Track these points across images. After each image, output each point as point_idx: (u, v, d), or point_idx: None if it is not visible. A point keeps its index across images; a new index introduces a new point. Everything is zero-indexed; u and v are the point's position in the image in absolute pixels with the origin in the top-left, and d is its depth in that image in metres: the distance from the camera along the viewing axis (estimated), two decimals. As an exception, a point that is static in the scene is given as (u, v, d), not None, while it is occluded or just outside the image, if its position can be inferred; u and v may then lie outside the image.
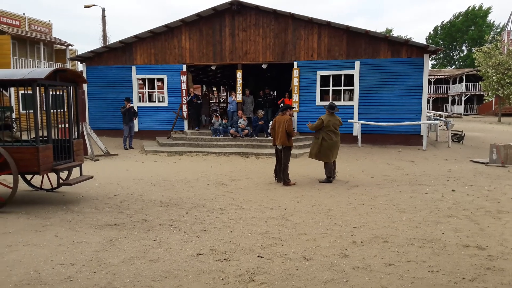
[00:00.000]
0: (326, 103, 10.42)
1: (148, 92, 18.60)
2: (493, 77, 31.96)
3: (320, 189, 8.57)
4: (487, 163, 11.89)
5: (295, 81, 16.33)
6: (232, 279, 4.22)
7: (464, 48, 67.70)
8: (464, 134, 18.06)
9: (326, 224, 6.12)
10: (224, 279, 4.23)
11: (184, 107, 17.28)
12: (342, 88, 16.20)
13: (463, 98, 45.69)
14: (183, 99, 17.24)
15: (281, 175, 9.20)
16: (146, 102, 18.71)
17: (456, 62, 68.45)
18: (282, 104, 16.01)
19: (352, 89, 16.10)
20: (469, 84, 44.96)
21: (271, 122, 10.21)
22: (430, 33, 69.59)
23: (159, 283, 4.13)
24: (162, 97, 18.46)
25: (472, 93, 45.42)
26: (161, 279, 4.21)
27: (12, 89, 20.77)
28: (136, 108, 16.67)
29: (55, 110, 7.75)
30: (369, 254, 4.91)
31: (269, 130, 9.44)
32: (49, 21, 29.29)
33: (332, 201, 7.53)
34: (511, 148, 11.67)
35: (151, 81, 18.22)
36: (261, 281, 4.17)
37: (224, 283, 4.14)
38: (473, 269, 4.48)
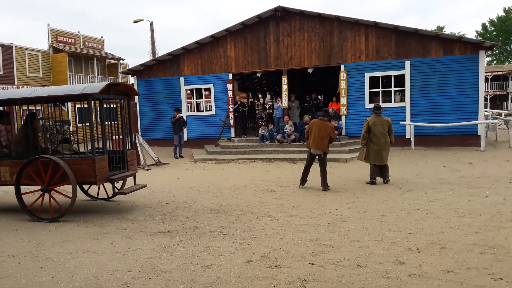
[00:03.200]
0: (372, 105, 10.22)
1: (196, 101, 19.09)
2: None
3: (372, 195, 8.33)
4: (555, 163, 11.01)
5: (343, 84, 16.07)
6: (283, 286, 4.18)
7: (523, 42, 63.44)
8: (527, 132, 16.82)
9: (380, 230, 5.92)
10: (276, 286, 4.20)
11: (231, 115, 17.53)
12: (393, 89, 15.73)
13: (525, 95, 42.73)
14: (230, 107, 17.50)
15: (322, 180, 9.07)
16: (194, 111, 19.21)
17: (515, 57, 64.27)
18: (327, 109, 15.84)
19: (403, 90, 15.58)
20: (531, 79, 42.00)
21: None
22: (477, 31, 66.02)
23: (211, 289, 4.18)
24: (209, 106, 18.88)
25: (534, 89, 42.40)
26: (213, 285, 4.26)
27: (69, 104, 22.14)
28: (185, 118, 17.13)
29: (109, 123, 8.14)
30: (426, 260, 4.68)
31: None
32: (101, 37, 30.96)
33: (385, 207, 7.28)
34: None
35: (199, 91, 18.69)
36: (313, 289, 4.10)
37: (275, 290, 4.11)
38: (543, 278, 4.15)
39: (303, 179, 9.39)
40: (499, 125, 18.54)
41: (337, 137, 15.27)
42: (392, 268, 4.52)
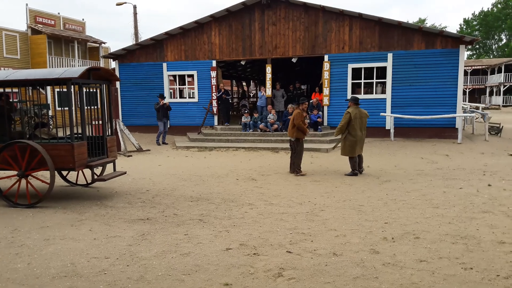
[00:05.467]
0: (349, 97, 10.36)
1: (179, 88, 18.89)
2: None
3: (351, 184, 8.46)
4: (528, 156, 11.37)
5: (326, 75, 16.14)
6: (261, 274, 4.25)
7: (503, 37, 64.74)
8: (502, 126, 17.31)
9: (356, 220, 6.04)
10: (253, 273, 4.27)
11: (214, 103, 17.44)
12: (374, 81, 15.89)
13: (502, 89, 43.77)
14: (213, 94, 17.40)
15: (291, 165, 9.78)
16: (177, 98, 19.00)
17: (494, 52, 65.57)
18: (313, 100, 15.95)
19: (385, 82, 15.76)
20: (509, 75, 43.00)
21: None
22: (460, 25, 67.04)
23: (190, 276, 4.21)
24: (193, 93, 18.72)
25: (511, 84, 43.42)
26: (191, 273, 4.29)
27: (48, 87, 21.64)
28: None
29: (89, 108, 8.01)
30: (400, 250, 4.82)
31: None
32: (83, 19, 30.15)
33: (363, 197, 7.42)
34: (554, 141, 11.10)
35: (182, 78, 18.50)
36: (290, 276, 4.18)
37: (253, 277, 4.17)
38: (508, 266, 4.32)
39: (291, 166, 9.92)
40: (476, 118, 18.98)
41: (319, 127, 15.43)
42: (367, 257, 4.63)
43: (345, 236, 5.33)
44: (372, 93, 16.02)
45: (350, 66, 15.89)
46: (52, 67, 24.61)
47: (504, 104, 43.54)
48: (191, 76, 18.14)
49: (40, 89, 7.93)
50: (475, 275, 4.14)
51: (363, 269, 4.32)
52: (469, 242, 5.05)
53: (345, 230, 5.57)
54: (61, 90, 7.72)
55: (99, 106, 8.29)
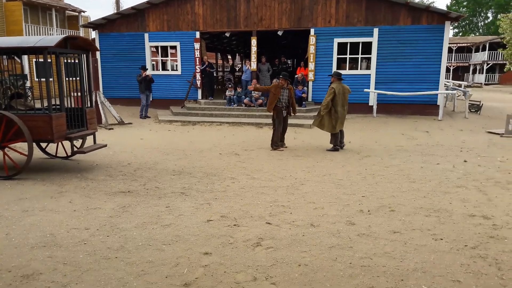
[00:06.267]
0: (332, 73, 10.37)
1: (162, 60, 18.54)
2: (516, 46, 30.76)
3: (332, 159, 8.59)
4: (503, 134, 11.67)
5: (312, 49, 16.03)
6: (240, 243, 4.35)
7: (489, 14, 65.00)
8: (482, 104, 17.63)
9: (335, 193, 6.18)
10: (233, 243, 4.36)
11: (198, 76, 17.24)
12: (360, 56, 15.87)
13: (485, 67, 44.30)
14: (197, 67, 17.17)
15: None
16: (159, 70, 18.67)
17: (481, 30, 65.93)
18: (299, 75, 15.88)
19: (370, 58, 15.76)
20: (492, 53, 43.40)
21: None
22: (449, 1, 66.91)
23: (170, 246, 4.29)
24: (176, 65, 18.40)
25: (494, 62, 43.94)
26: (172, 243, 4.37)
27: (26, 57, 20.99)
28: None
29: (68, 79, 7.84)
30: (375, 222, 4.97)
31: None
32: (62, -14, 29.09)
33: (343, 171, 7.56)
34: (529, 118, 11.39)
35: (165, 49, 18.12)
36: (268, 246, 4.29)
37: (232, 247, 4.27)
38: (476, 237, 4.52)
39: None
40: (458, 96, 19.25)
41: (303, 102, 15.45)
42: (343, 228, 4.77)
43: (323, 209, 5.46)
44: (357, 69, 16.04)
45: (336, 40, 15.80)
46: (29, 36, 23.81)
47: (486, 82, 44.18)
48: (174, 47, 17.79)
49: (16, 58, 7.67)
50: (444, 245, 4.32)
51: (339, 239, 4.45)
52: (442, 215, 5.23)
53: (323, 203, 5.69)
54: (37, 60, 7.51)
55: (78, 77, 8.12)
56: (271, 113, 9.88)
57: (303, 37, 17.61)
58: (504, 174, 7.30)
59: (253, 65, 16.87)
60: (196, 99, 17.48)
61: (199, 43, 17.07)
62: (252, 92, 15.68)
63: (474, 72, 47.52)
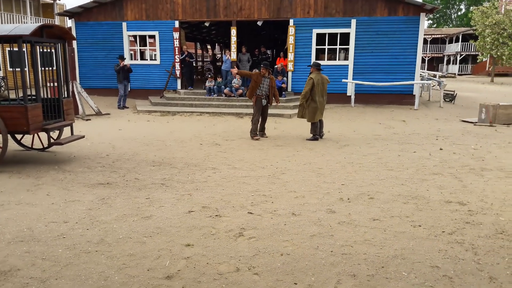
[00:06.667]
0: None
1: (140, 49, 18.20)
2: (487, 38, 31.60)
3: (311, 149, 8.67)
4: (476, 122, 12.03)
5: (291, 39, 16.03)
6: (222, 234, 4.36)
7: (462, 7, 66.32)
8: (456, 94, 18.08)
9: (315, 182, 6.25)
10: (215, 234, 4.37)
11: (177, 66, 17.01)
12: (338, 47, 15.97)
13: (458, 58, 45.31)
14: (176, 57, 16.94)
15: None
16: (138, 60, 18.33)
17: (454, 21, 67.25)
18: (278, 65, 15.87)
19: (348, 48, 15.88)
20: (465, 44, 44.43)
21: None
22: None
23: (151, 238, 4.26)
24: (155, 55, 18.10)
25: (467, 53, 45.01)
26: (153, 235, 4.34)
27: None
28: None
29: (44, 69, 7.62)
30: (355, 210, 5.06)
31: None
32: (35, -27, 28.05)
33: (322, 160, 7.64)
34: (499, 108, 11.77)
35: (143, 38, 17.80)
36: (250, 236, 4.32)
37: (214, 237, 4.28)
38: (453, 223, 4.66)
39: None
40: (433, 86, 19.65)
41: (283, 93, 15.49)
42: (324, 217, 4.84)
43: (304, 197, 5.52)
44: (336, 59, 16.15)
45: (315, 31, 15.84)
46: (2, 24, 22.94)
47: (460, 72, 45.23)
48: (153, 37, 17.47)
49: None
50: (422, 231, 4.44)
51: (320, 228, 4.52)
52: (419, 202, 5.37)
53: (304, 192, 5.76)
54: (11, 49, 7.27)
55: (54, 67, 7.90)
56: (252, 101, 9.87)
57: (283, 28, 17.58)
58: (478, 161, 7.54)
59: (233, 55, 16.76)
60: (175, 89, 17.28)
61: (178, 33, 16.83)
62: (232, 82, 15.61)
63: (448, 62, 48.56)
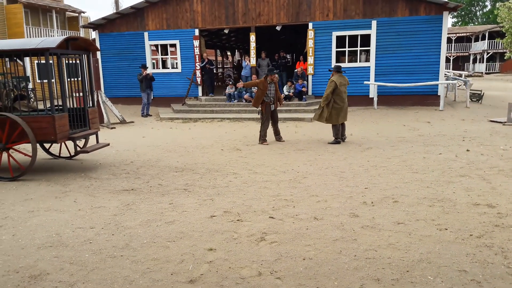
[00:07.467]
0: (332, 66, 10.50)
1: (162, 58, 18.54)
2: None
3: (333, 152, 8.59)
4: (505, 122, 11.64)
5: (310, 43, 16.00)
6: (244, 239, 4.37)
7: (487, 3, 64.66)
8: (483, 93, 17.58)
9: (338, 186, 6.19)
10: (237, 238, 4.38)
11: (198, 73, 17.23)
12: (359, 49, 15.83)
13: (485, 56, 44.13)
14: (197, 64, 17.16)
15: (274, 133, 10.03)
16: (160, 69, 18.68)
17: (479, 19, 65.61)
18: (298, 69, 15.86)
19: (369, 50, 15.72)
20: (492, 42, 43.24)
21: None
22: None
23: (175, 243, 4.31)
24: (176, 63, 18.39)
25: (494, 51, 43.77)
26: (176, 240, 4.39)
27: (28, 59, 21.02)
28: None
29: (70, 79, 7.86)
30: (379, 213, 4.98)
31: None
32: (60, -12, 29.04)
33: (345, 164, 7.57)
34: (530, 106, 11.37)
35: (164, 47, 18.13)
36: (272, 240, 4.31)
37: (236, 242, 4.29)
38: (481, 227, 4.52)
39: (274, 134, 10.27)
40: (459, 86, 19.20)
41: (304, 96, 15.44)
42: (347, 221, 4.78)
43: (326, 202, 5.47)
44: (356, 61, 16.00)
45: (335, 34, 15.76)
46: (30, 37, 23.82)
47: (487, 71, 44.01)
48: (174, 45, 17.78)
49: (18, 60, 7.68)
50: (449, 235, 4.33)
51: (343, 232, 4.47)
52: (445, 204, 5.24)
53: (326, 196, 5.71)
54: (39, 61, 7.53)
55: (79, 78, 8.14)
56: (259, 109, 9.99)
57: (302, 31, 17.56)
58: (507, 162, 7.30)
59: (253, 61, 16.84)
60: (196, 96, 17.49)
61: (198, 41, 17.06)
62: (252, 87, 15.66)
63: (474, 61, 47.33)
